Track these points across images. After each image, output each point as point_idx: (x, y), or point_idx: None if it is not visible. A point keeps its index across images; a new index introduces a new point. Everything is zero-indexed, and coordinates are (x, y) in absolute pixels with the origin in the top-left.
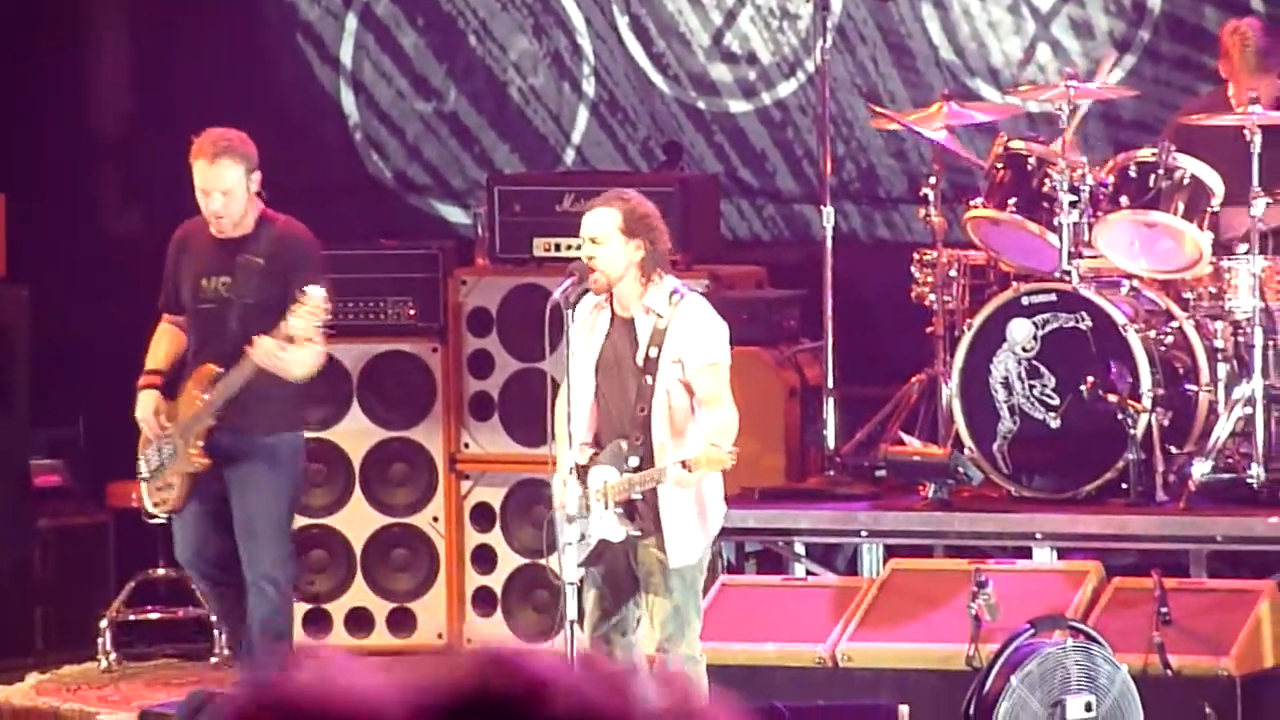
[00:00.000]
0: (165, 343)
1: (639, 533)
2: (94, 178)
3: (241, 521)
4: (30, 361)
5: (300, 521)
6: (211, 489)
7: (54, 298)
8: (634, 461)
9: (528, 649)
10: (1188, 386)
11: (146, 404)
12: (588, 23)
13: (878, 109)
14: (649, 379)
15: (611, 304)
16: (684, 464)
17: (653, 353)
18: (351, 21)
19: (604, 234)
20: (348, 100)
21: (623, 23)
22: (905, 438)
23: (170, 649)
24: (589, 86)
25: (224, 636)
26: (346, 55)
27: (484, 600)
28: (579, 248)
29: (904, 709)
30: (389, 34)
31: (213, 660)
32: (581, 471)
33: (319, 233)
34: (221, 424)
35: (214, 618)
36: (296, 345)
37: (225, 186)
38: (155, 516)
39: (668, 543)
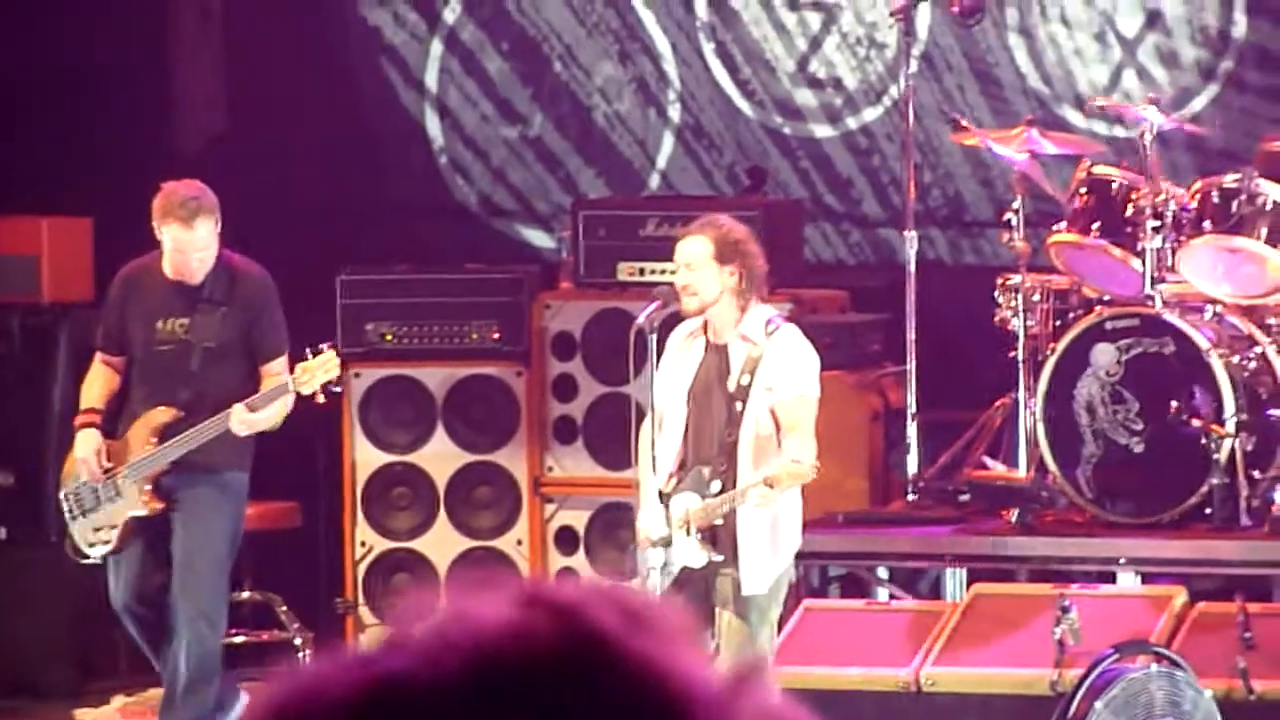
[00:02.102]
0: (101, 382)
1: (720, 558)
2: None
3: (183, 558)
4: None
5: (385, 545)
6: (153, 527)
7: None
8: (716, 487)
9: (581, 586)
10: (1271, 412)
11: (88, 443)
12: (673, 49)
13: (961, 122)
14: (739, 405)
15: (706, 332)
16: (767, 480)
17: (745, 380)
18: (436, 46)
19: (697, 260)
20: (433, 124)
21: (708, 49)
22: (989, 462)
23: (254, 671)
24: (674, 112)
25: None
26: (432, 79)
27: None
28: (664, 272)
29: None
30: (474, 58)
31: None
32: (665, 498)
33: (404, 256)
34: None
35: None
36: (275, 403)
37: (202, 246)
38: (88, 558)
39: (742, 570)
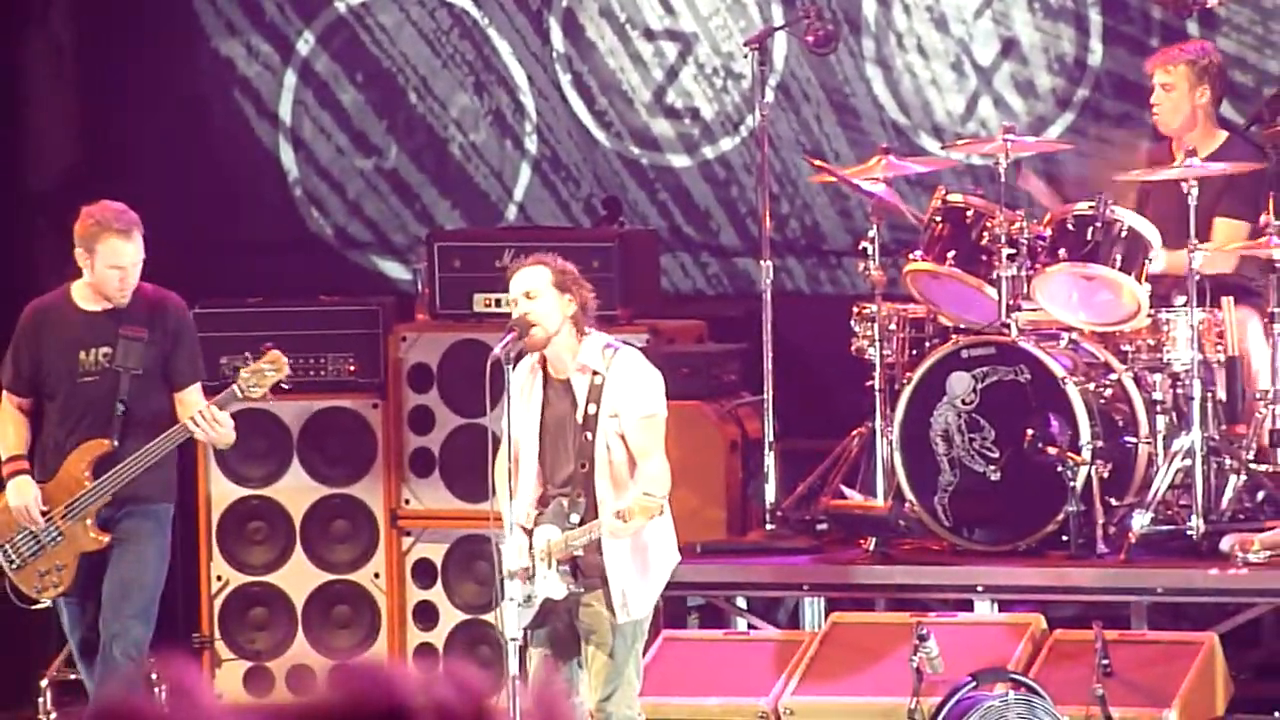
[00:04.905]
0: (15, 426)
1: (582, 589)
2: (33, 234)
3: (116, 586)
4: None
5: (241, 579)
6: (100, 560)
7: None
8: (575, 519)
9: (391, 665)
10: (1127, 439)
11: (24, 491)
12: (529, 80)
13: (816, 162)
14: (589, 435)
15: (545, 367)
16: (618, 514)
17: (591, 409)
18: (290, 77)
19: (537, 288)
20: (287, 156)
21: (565, 80)
22: (846, 491)
23: None
24: (531, 143)
25: None
26: (285, 111)
27: (426, 657)
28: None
29: None
30: (328, 90)
31: None
32: (527, 532)
33: (259, 289)
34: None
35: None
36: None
37: (138, 260)
38: (37, 603)
39: (614, 598)
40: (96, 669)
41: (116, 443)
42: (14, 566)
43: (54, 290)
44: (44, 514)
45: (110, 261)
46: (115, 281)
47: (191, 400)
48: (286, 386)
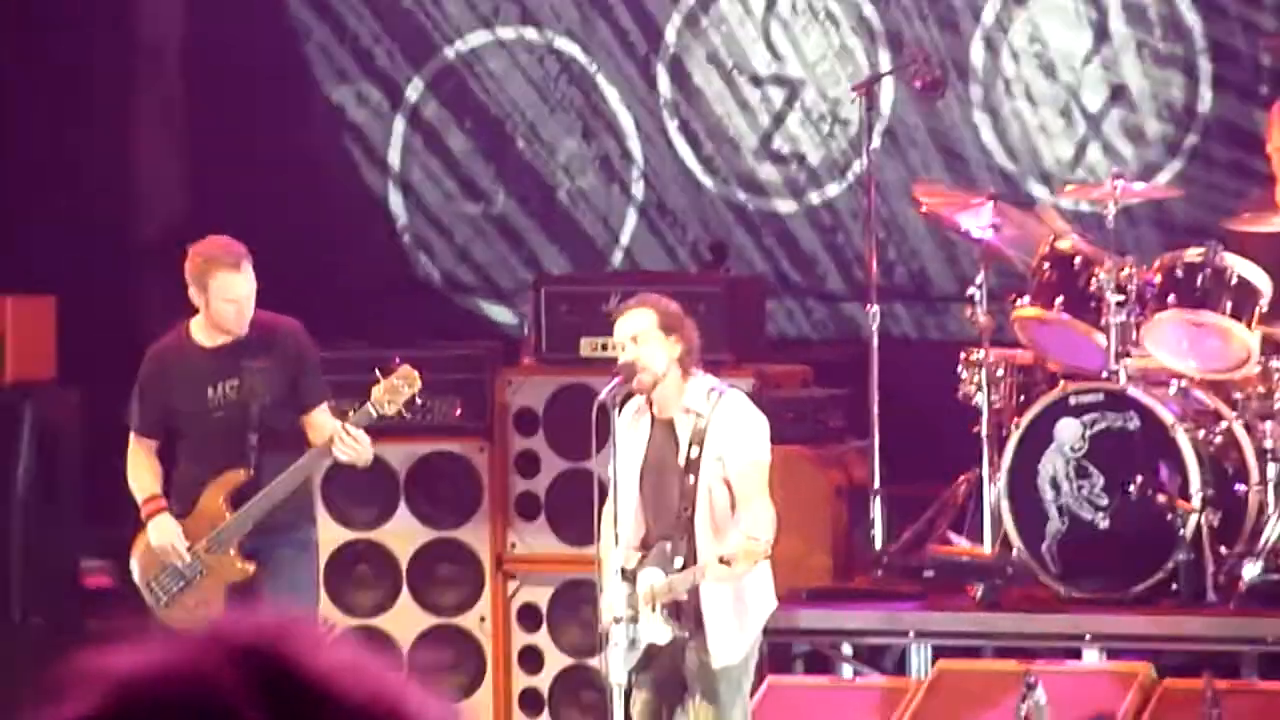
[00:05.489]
0: (147, 466)
1: (684, 634)
2: (143, 281)
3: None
4: (81, 463)
5: (348, 622)
6: (248, 590)
7: (105, 400)
8: (679, 562)
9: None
10: (1237, 486)
11: (168, 530)
12: (636, 125)
13: (924, 195)
14: (691, 479)
15: (651, 408)
16: (722, 559)
17: (694, 452)
18: (399, 124)
19: (643, 333)
20: (395, 202)
21: (672, 125)
22: (953, 537)
23: None
24: (638, 188)
25: None
26: (394, 157)
27: (531, 701)
28: (624, 348)
29: None
30: (437, 136)
31: None
32: (630, 576)
33: (367, 333)
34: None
35: None
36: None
37: (250, 291)
38: None
39: (710, 643)
40: None
41: (253, 472)
42: (162, 605)
43: (171, 331)
44: (187, 549)
45: (224, 295)
46: (232, 314)
47: (321, 421)
48: (421, 401)
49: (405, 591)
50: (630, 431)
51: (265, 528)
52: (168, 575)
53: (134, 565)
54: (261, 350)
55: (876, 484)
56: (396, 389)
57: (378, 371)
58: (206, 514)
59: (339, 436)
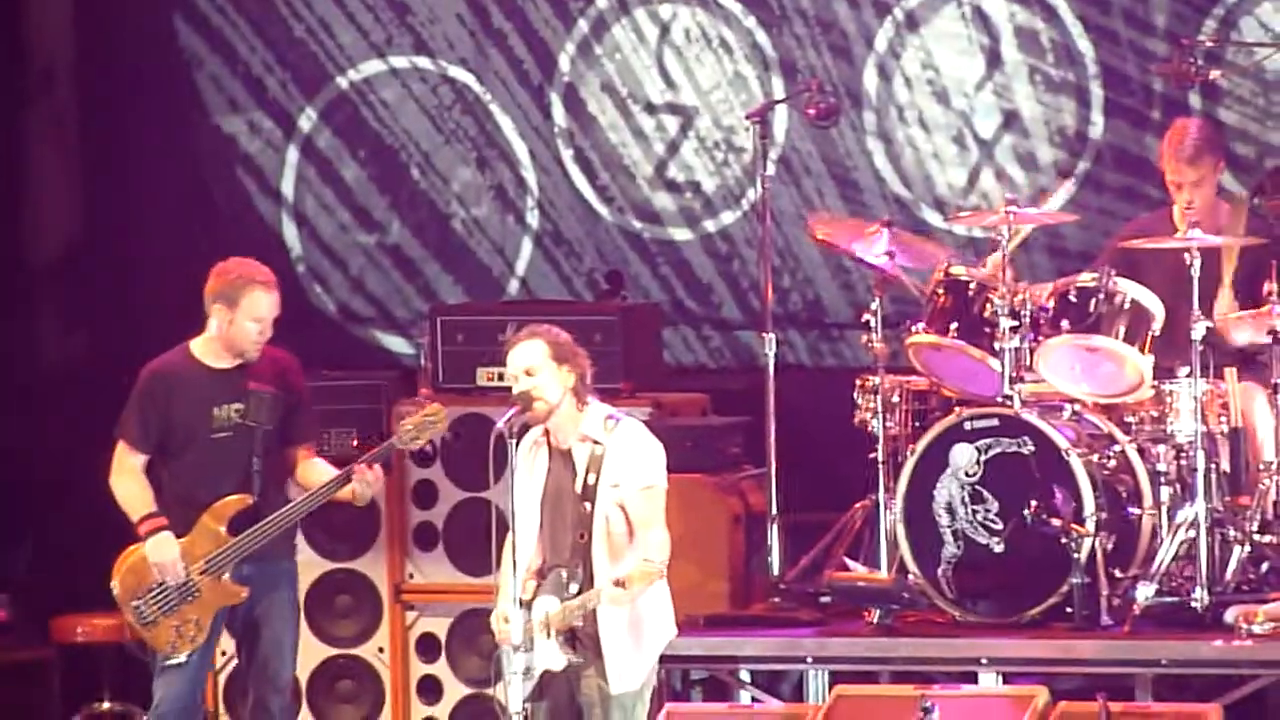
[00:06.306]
0: (143, 483)
1: (580, 660)
2: (35, 304)
3: (272, 646)
4: None
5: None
6: (232, 617)
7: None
8: (574, 589)
9: None
10: (1131, 510)
11: (169, 547)
12: (531, 155)
13: (819, 226)
14: (588, 506)
15: (549, 439)
16: (617, 581)
17: (591, 479)
18: (293, 154)
19: (536, 364)
20: (289, 232)
21: (566, 154)
22: (850, 563)
23: None
24: (533, 218)
25: None
26: (288, 187)
27: None
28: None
29: None
30: (331, 166)
31: None
32: (525, 605)
33: None
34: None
35: None
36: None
37: (276, 313)
38: (172, 659)
39: (608, 669)
40: None
41: (253, 499)
42: (145, 622)
43: (171, 351)
44: (187, 570)
45: (253, 314)
46: (255, 334)
47: (310, 458)
48: (446, 435)
49: (303, 623)
50: (529, 461)
51: (257, 555)
52: (158, 594)
53: (116, 582)
54: (267, 377)
55: (774, 511)
56: (424, 425)
57: (401, 407)
58: (203, 536)
59: (359, 471)
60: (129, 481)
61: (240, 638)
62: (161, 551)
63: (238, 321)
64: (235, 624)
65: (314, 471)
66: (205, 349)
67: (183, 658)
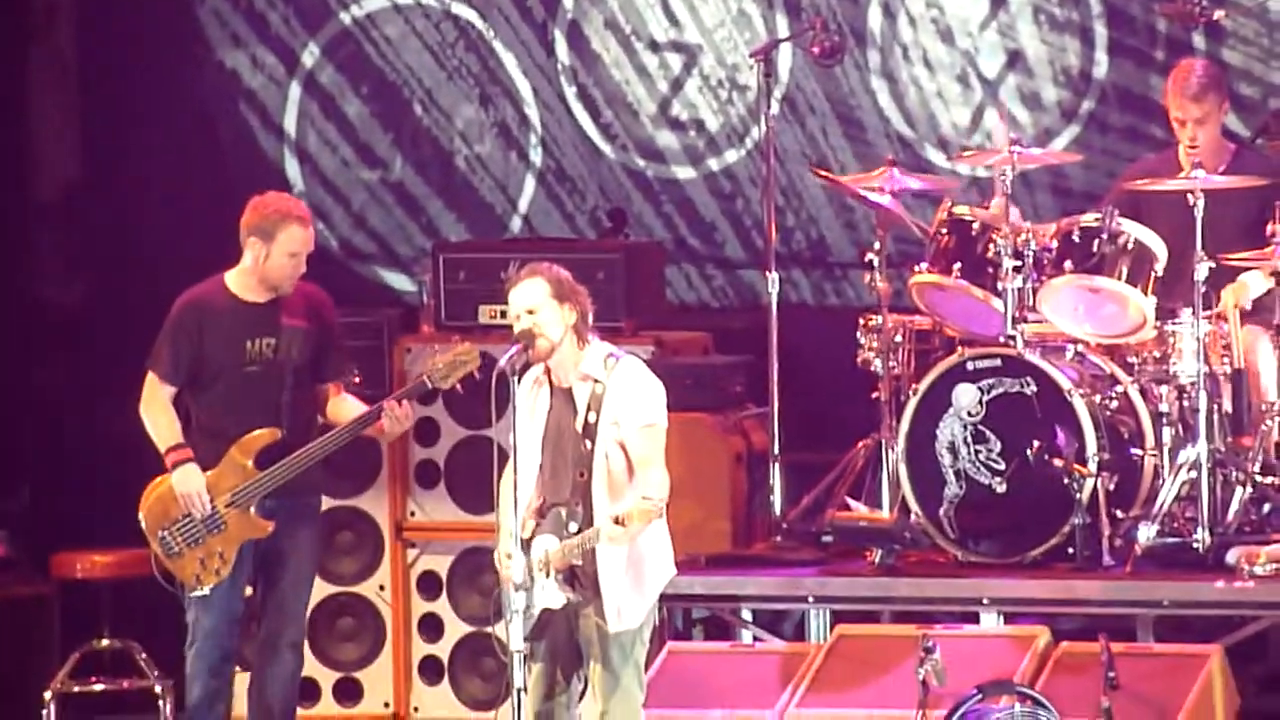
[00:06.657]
0: (171, 414)
1: (579, 599)
2: (35, 245)
3: (289, 589)
4: None
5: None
6: (255, 551)
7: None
8: (574, 527)
9: None
10: (1133, 451)
11: (194, 479)
12: (535, 92)
13: (820, 172)
14: (588, 444)
15: (550, 377)
16: (616, 519)
17: (591, 418)
18: (295, 90)
19: (537, 303)
20: (292, 169)
21: (570, 92)
22: (852, 503)
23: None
24: (536, 155)
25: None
26: (290, 123)
27: (431, 669)
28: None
29: None
30: (333, 102)
31: None
32: (525, 544)
33: None
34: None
35: (198, 693)
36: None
37: (311, 247)
38: (196, 590)
39: (606, 608)
40: (260, 660)
41: (283, 433)
42: (170, 554)
43: (205, 282)
44: (209, 501)
45: (289, 249)
46: (290, 269)
47: (340, 394)
48: (477, 377)
49: None
50: (530, 400)
51: (285, 490)
52: (183, 526)
53: (143, 513)
54: (300, 313)
55: (776, 450)
56: (456, 364)
57: (434, 346)
58: (231, 469)
59: (390, 407)
60: (158, 413)
61: (259, 571)
62: (187, 483)
63: (274, 255)
64: (257, 557)
65: (344, 408)
66: (240, 282)
67: (206, 590)
